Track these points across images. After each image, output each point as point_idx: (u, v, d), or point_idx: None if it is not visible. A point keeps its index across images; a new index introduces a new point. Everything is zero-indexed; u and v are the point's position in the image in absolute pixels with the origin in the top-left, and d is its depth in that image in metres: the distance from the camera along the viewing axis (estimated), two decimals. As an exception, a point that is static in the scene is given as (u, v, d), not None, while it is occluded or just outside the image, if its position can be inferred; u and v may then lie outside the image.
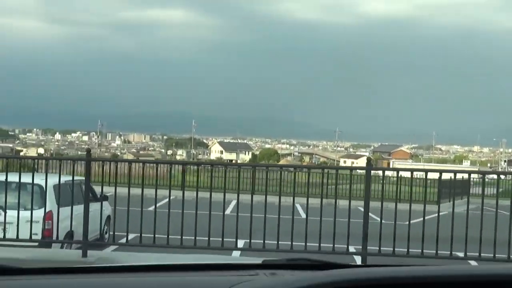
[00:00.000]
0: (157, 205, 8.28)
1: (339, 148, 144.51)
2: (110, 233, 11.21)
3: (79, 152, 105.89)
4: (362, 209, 8.25)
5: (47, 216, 9.68)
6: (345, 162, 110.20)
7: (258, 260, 2.44)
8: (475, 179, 16.60)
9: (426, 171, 9.10)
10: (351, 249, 8.59)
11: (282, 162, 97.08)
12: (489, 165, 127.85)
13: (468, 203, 8.22)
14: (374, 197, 9.30)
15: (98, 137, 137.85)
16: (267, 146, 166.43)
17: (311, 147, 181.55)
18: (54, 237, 9.49)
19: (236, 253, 10.40)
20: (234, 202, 9.22)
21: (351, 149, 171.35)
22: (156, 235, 8.48)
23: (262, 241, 8.33)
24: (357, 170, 13.47)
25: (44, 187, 9.49)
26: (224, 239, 8.51)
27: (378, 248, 8.10)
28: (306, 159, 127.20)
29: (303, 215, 8.66)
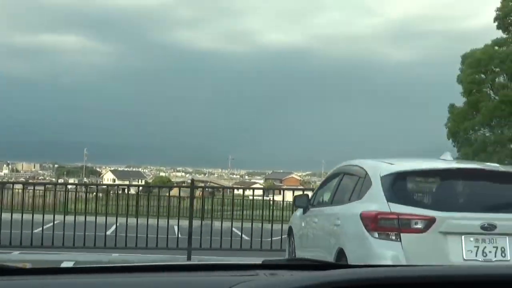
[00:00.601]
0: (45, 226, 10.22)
1: (234, 176, 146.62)
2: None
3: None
4: (236, 230, 10.93)
5: None
6: (238, 189, 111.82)
7: (258, 260, 2.49)
8: None
9: (244, 188, 11.23)
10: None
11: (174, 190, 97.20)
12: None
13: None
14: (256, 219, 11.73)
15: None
16: (162, 174, 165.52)
17: (206, 175, 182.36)
18: None
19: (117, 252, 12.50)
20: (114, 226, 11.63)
21: (246, 177, 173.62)
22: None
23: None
24: (254, 197, 15.23)
25: None
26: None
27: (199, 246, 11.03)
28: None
29: (179, 234, 11.60)
